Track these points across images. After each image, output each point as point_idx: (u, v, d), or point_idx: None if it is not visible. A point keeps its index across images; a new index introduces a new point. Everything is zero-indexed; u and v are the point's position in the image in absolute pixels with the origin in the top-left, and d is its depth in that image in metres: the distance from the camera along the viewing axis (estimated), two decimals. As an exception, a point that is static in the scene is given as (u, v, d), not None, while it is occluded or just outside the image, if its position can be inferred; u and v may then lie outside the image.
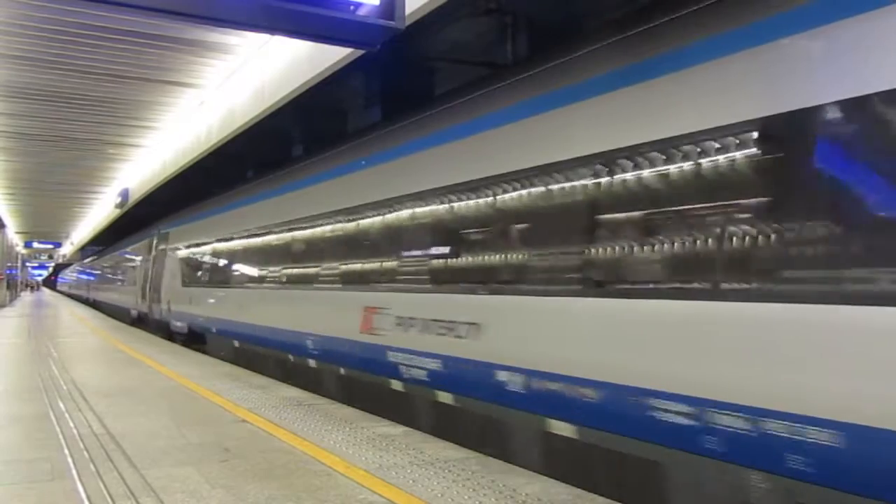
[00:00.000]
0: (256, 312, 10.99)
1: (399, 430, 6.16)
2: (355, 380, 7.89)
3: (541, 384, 5.04)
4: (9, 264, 40.91)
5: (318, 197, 9.29)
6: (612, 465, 4.65)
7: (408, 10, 4.88)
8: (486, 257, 5.97)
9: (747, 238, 3.79)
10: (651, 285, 4.41)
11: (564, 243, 5.08)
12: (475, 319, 5.73)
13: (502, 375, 5.39)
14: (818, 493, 3.41)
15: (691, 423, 3.96)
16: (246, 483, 4.53)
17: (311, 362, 8.94)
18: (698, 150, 4.09)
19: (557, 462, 5.07)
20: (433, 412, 6.52)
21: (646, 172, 4.44)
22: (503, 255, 5.78)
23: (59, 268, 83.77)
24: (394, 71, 9.30)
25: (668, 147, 4.28)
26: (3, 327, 20.32)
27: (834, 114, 3.46)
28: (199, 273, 14.98)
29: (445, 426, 6.26)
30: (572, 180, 5.00)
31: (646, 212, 4.53)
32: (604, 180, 4.75)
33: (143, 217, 23.43)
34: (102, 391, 8.19)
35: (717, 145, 4.00)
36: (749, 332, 3.71)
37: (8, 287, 39.08)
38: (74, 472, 4.80)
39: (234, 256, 12.75)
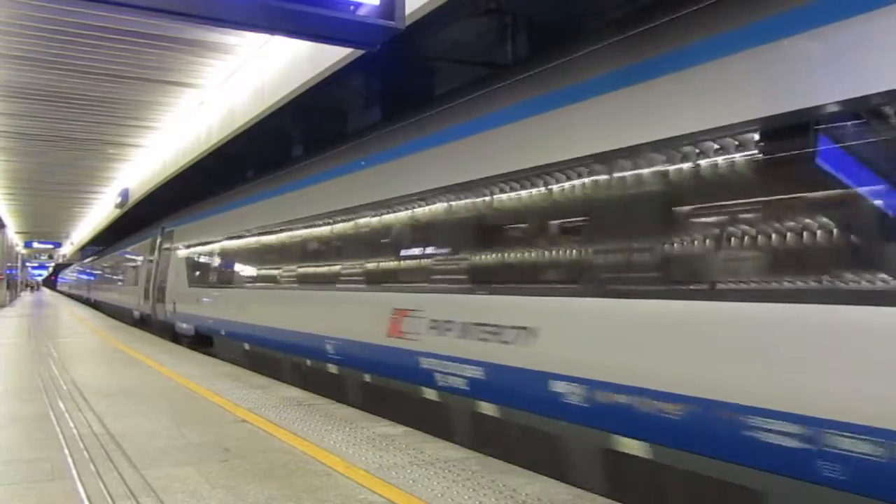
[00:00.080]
0: (270, 314, 10.42)
1: (399, 430, 6.16)
2: (383, 387, 7.35)
3: (608, 397, 4.50)
4: (9, 264, 40.91)
5: (342, 191, 8.63)
6: (694, 487, 4.13)
7: (408, 10, 4.88)
8: (543, 254, 5.39)
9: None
10: (771, 284, 3.71)
11: (644, 237, 4.43)
12: (527, 323, 5.18)
13: (559, 386, 4.88)
14: None
15: (801, 445, 3.43)
16: (246, 483, 4.53)
17: (332, 367, 8.42)
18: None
19: (624, 481, 4.60)
20: (471, 424, 6.03)
21: (739, 157, 3.96)
22: (564, 252, 5.21)
23: (59, 268, 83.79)
24: (394, 71, 9.30)
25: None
26: (3, 327, 20.32)
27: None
28: (208, 273, 14.31)
29: (486, 438, 5.79)
30: (660, 164, 4.37)
31: (755, 200, 3.97)
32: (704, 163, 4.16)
33: (143, 217, 23.42)
34: (102, 391, 8.20)
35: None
36: None
37: (8, 287, 39.08)
38: (74, 472, 4.80)
39: (246, 255, 12.09)
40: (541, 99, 5.48)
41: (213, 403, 7.47)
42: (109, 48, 9.98)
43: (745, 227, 3.88)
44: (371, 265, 7.79)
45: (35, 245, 48.44)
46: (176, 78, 11.43)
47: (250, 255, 11.84)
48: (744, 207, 3.99)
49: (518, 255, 5.67)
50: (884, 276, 3.24)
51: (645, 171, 4.44)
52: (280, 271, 10.30)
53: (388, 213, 7.50)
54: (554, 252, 5.32)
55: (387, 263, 7.61)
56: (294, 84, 8.81)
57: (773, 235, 3.73)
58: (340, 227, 8.58)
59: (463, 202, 6.24)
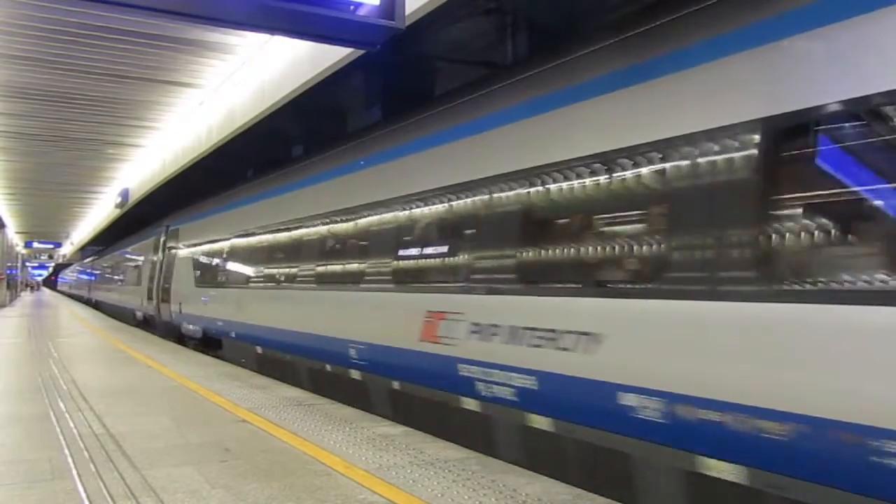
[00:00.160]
0: (286, 316, 9.77)
1: (399, 429, 6.16)
2: (413, 395, 6.83)
3: (693, 412, 3.95)
4: (9, 264, 40.91)
5: (368, 184, 8.00)
6: None
7: (408, 10, 4.88)
8: (610, 251, 4.78)
9: None
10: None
11: (744, 227, 3.80)
12: (591, 328, 4.62)
13: (629, 399, 4.33)
14: None
15: None
16: (246, 483, 4.53)
17: (355, 373, 7.84)
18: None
19: None
20: (518, 438, 5.52)
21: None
22: (636, 248, 4.58)
23: (59, 268, 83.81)
24: (394, 71, 9.31)
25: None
26: (4, 327, 20.32)
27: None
28: (217, 272, 13.53)
29: (537, 454, 5.33)
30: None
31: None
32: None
33: (143, 216, 23.42)
34: (103, 391, 8.19)
35: None
36: None
37: (8, 287, 39.09)
38: (74, 472, 4.79)
39: (259, 254, 11.33)
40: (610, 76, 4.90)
41: (213, 403, 7.48)
42: (110, 48, 9.99)
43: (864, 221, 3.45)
44: (401, 264, 7.17)
45: (35, 245, 48.45)
46: (176, 78, 11.43)
47: (264, 254, 11.12)
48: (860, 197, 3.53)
49: (579, 252, 5.02)
50: None
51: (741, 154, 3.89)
52: (297, 270, 9.68)
53: (421, 206, 6.89)
54: (623, 249, 4.67)
55: (420, 262, 6.98)
56: (294, 84, 8.81)
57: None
58: (366, 222, 7.90)
59: (512, 193, 5.60)
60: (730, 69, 3.99)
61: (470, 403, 5.92)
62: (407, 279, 7.02)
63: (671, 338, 4.13)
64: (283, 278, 10.19)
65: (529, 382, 5.15)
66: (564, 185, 5.11)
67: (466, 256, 6.15)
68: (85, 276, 48.48)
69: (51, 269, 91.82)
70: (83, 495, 4.29)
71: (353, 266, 8.15)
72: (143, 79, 11.45)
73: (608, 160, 4.71)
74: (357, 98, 11.09)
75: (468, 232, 6.25)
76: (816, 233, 3.54)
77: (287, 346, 9.70)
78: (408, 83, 9.92)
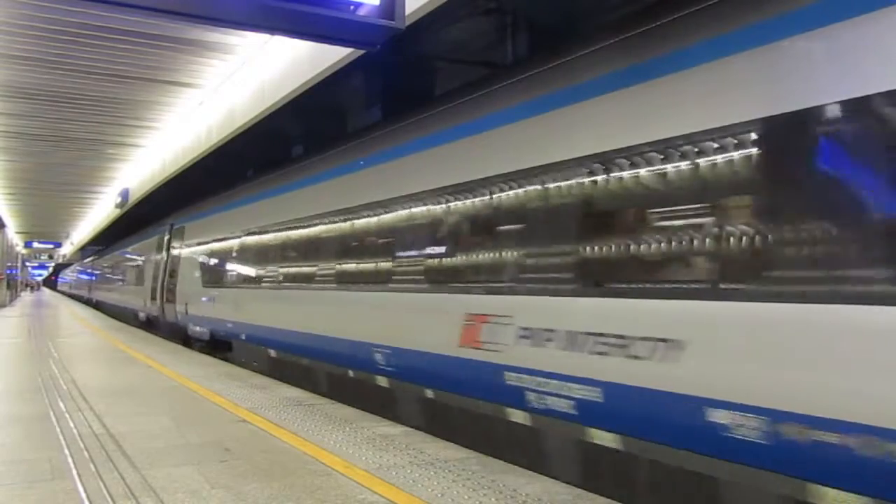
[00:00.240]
0: (304, 318, 9.21)
1: (399, 429, 6.16)
2: (450, 406, 6.32)
3: (805, 434, 3.45)
4: (9, 264, 40.92)
5: (398, 176, 7.36)
6: None
7: (408, 10, 4.88)
8: (705, 244, 4.09)
9: None
10: None
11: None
12: (672, 335, 4.08)
13: (720, 416, 3.81)
14: None
15: None
16: (246, 483, 4.53)
17: (381, 380, 7.33)
18: None
19: None
20: (577, 455, 5.05)
21: None
22: (740, 241, 3.90)
23: (59, 268, 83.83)
24: (394, 71, 9.31)
25: None
26: (4, 327, 20.32)
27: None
28: (227, 271, 12.86)
29: (599, 473, 4.89)
30: None
31: None
32: None
33: (143, 216, 23.42)
34: (103, 391, 8.19)
35: None
36: None
37: (8, 287, 39.09)
38: (74, 472, 4.79)
39: (273, 252, 10.69)
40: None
41: (213, 403, 7.47)
42: (110, 48, 9.99)
43: None
44: (436, 262, 6.58)
45: (35, 245, 48.44)
46: (176, 78, 11.43)
47: (280, 252, 10.48)
48: None
49: (659, 248, 4.38)
50: None
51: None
52: (316, 269, 9.07)
53: (460, 199, 6.29)
54: (718, 243, 4.01)
55: (459, 260, 6.34)
56: (294, 84, 8.81)
57: None
58: (394, 217, 7.32)
59: (569, 182, 5.02)
60: None
61: (517, 415, 5.39)
62: (444, 279, 6.41)
63: (780, 347, 3.59)
64: (300, 278, 9.61)
65: (592, 394, 4.62)
66: (642, 171, 4.47)
67: (515, 253, 5.53)
68: (85, 276, 48.29)
69: (51, 269, 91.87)
70: (83, 495, 4.29)
71: (381, 265, 7.54)
72: (143, 79, 11.45)
73: (703, 140, 4.10)
74: (357, 98, 11.08)
75: (517, 227, 5.60)
76: None
77: (304, 350, 9.22)
78: (408, 83, 9.92)
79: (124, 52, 10.11)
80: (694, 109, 4.17)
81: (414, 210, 6.96)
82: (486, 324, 5.59)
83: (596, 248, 4.82)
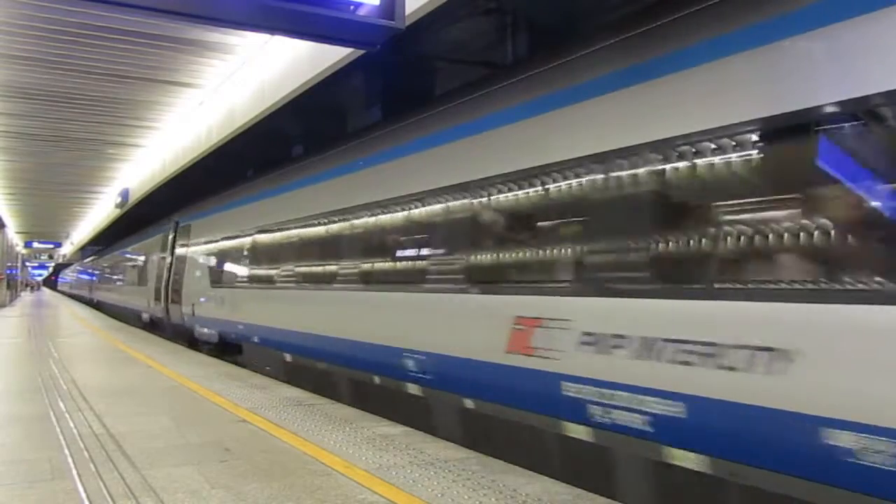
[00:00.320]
0: (324, 320, 8.61)
1: (399, 429, 6.16)
2: (495, 418, 5.72)
3: None
4: (9, 264, 40.93)
5: (437, 166, 6.69)
6: None
7: (408, 10, 4.88)
8: (828, 240, 3.53)
9: None
10: None
11: None
12: (776, 342, 3.56)
13: (844, 439, 3.30)
14: None
15: None
16: (246, 483, 4.53)
17: (412, 388, 6.75)
18: None
19: None
20: (653, 477, 4.52)
21: None
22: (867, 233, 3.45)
23: (59, 268, 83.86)
24: (394, 71, 9.31)
25: None
26: (4, 327, 20.33)
27: None
28: (238, 271, 12.20)
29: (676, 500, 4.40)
30: None
31: None
32: None
33: (144, 216, 23.41)
34: (103, 391, 8.19)
35: None
36: None
37: (8, 287, 39.10)
38: (74, 472, 4.79)
39: (290, 250, 10.07)
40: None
41: (213, 403, 7.47)
42: (110, 48, 9.99)
43: None
44: (479, 260, 6.03)
45: (35, 245, 48.47)
46: (176, 78, 11.44)
47: (298, 250, 9.84)
48: None
49: (761, 242, 3.78)
50: None
51: None
52: (338, 269, 8.41)
53: (506, 192, 5.71)
54: (843, 239, 3.50)
55: (506, 257, 5.82)
56: (294, 84, 8.81)
57: None
58: (431, 211, 6.67)
59: (643, 171, 4.45)
60: None
61: (576, 430, 4.86)
62: (488, 278, 5.87)
63: None
64: (322, 278, 8.95)
65: (673, 409, 4.09)
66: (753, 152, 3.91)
67: (575, 250, 5.00)
68: (86, 276, 48.05)
69: (51, 269, 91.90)
70: (83, 495, 4.29)
71: (415, 263, 7.00)
72: (143, 79, 11.45)
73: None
74: (357, 98, 11.09)
75: (578, 219, 5.01)
76: None
77: (324, 354, 8.61)
78: (408, 83, 9.92)
79: (124, 52, 10.11)
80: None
81: (453, 203, 6.34)
82: (540, 328, 5.03)
83: (683, 242, 4.21)
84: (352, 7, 4.34)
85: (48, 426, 6.27)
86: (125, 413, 6.87)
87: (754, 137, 3.87)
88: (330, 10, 4.31)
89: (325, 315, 8.65)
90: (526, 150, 5.49)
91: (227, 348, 12.28)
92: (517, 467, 4.93)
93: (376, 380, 7.40)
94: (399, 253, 7.48)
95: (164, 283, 17.12)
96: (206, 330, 13.53)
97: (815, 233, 3.56)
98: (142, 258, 21.96)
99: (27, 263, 65.61)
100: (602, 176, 4.74)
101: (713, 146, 4.07)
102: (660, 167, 4.36)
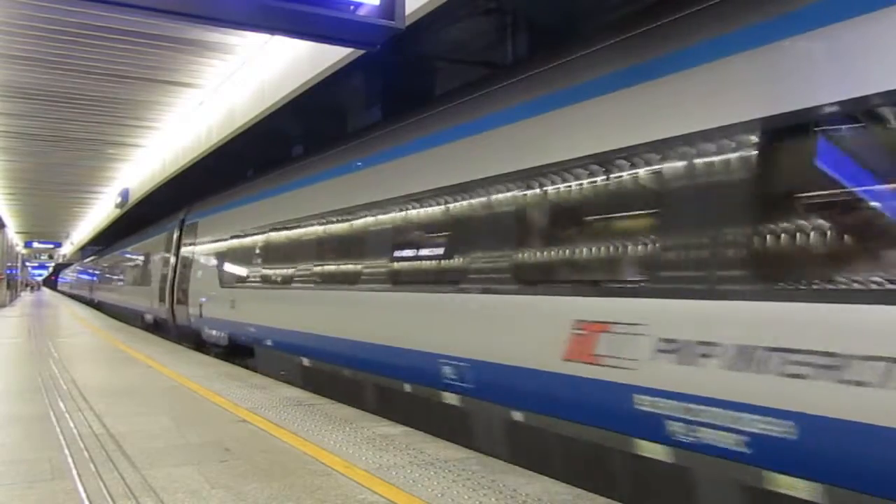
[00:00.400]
0: (349, 323, 8.02)
1: (399, 429, 6.16)
2: (549, 432, 5.17)
3: None
4: (9, 264, 40.93)
5: (483, 154, 6.07)
6: None
7: (408, 10, 4.89)
8: None
9: None
10: None
11: None
12: None
13: None
14: None
15: None
16: (246, 483, 4.53)
17: (450, 397, 6.21)
18: None
19: None
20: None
21: None
22: None
23: (59, 268, 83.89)
24: (394, 71, 9.31)
25: None
26: (4, 327, 20.32)
27: None
28: (250, 270, 11.54)
29: None
30: None
31: None
32: None
33: (144, 216, 23.42)
34: (103, 391, 8.19)
35: None
36: None
37: (8, 287, 39.10)
38: (74, 472, 4.80)
39: (309, 248, 9.42)
40: None
41: (213, 403, 7.47)
42: (110, 48, 9.99)
43: None
44: (528, 257, 5.44)
45: (35, 245, 48.48)
46: (176, 78, 11.44)
47: (318, 248, 9.20)
48: None
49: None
50: None
51: None
52: (363, 268, 7.83)
53: (561, 180, 5.13)
54: None
55: (561, 253, 5.22)
56: (294, 84, 8.82)
57: None
58: (471, 205, 6.11)
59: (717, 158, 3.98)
60: None
61: (652, 449, 4.31)
62: (539, 278, 5.33)
63: None
64: (344, 278, 8.32)
65: (780, 429, 3.57)
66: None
67: (650, 244, 4.39)
68: (87, 276, 47.85)
69: (51, 269, 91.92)
70: (83, 495, 4.29)
71: (451, 262, 6.38)
72: (143, 79, 11.45)
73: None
74: (357, 98, 11.09)
75: (652, 210, 4.43)
76: None
77: (346, 359, 8.09)
78: (408, 83, 9.92)
79: (124, 52, 10.11)
80: None
81: (495, 197, 5.77)
82: (606, 333, 4.50)
83: (800, 232, 3.61)
84: (352, 7, 4.34)
85: (48, 426, 6.27)
86: (125, 413, 6.87)
87: None
88: (330, 10, 4.31)
89: (349, 317, 8.05)
90: (620, 127, 4.72)
91: (238, 351, 11.78)
92: (517, 467, 4.93)
93: (406, 388, 6.88)
94: (436, 251, 6.84)
95: (169, 283, 16.68)
96: (214, 332, 13.06)
97: None
98: (145, 257, 21.36)
99: (27, 263, 65.62)
100: (676, 164, 4.23)
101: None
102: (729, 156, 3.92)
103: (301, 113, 10.47)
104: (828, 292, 3.41)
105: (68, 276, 72.77)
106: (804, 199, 3.72)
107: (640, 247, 4.51)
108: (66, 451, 5.34)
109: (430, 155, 6.92)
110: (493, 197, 5.80)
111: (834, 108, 3.45)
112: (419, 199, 6.89)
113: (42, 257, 60.52)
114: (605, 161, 4.75)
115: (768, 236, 3.72)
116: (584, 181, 4.94)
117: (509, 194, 5.62)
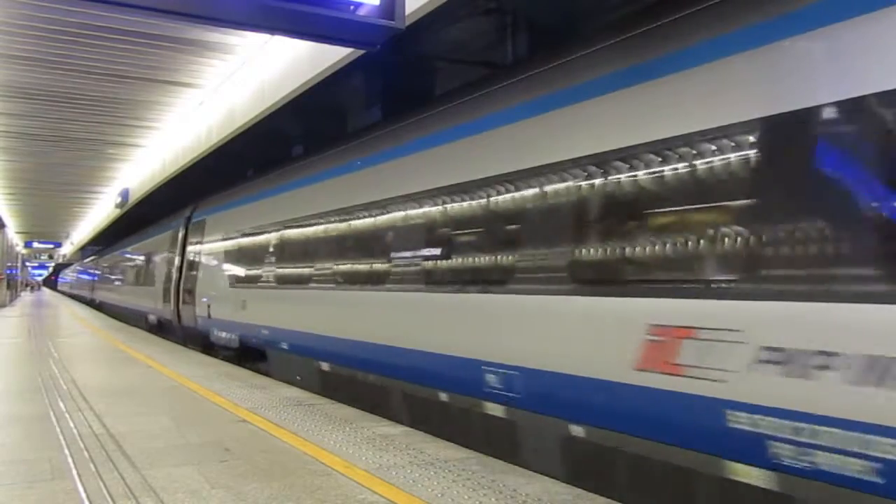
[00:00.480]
0: (377, 326, 7.43)
1: (399, 429, 6.16)
2: (616, 450, 4.60)
3: None
4: (9, 264, 40.94)
5: (547, 138, 5.37)
6: None
7: (408, 10, 4.89)
8: None
9: None
10: None
11: None
12: None
13: None
14: None
15: None
16: (246, 483, 4.53)
17: (494, 408, 5.68)
18: None
19: None
20: None
21: None
22: None
23: (59, 268, 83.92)
24: (394, 71, 9.31)
25: None
26: (4, 327, 20.32)
27: None
28: (263, 269, 10.90)
29: None
30: None
31: None
32: None
33: (144, 216, 23.42)
34: (103, 391, 8.19)
35: None
36: None
37: (8, 287, 39.11)
38: (74, 472, 4.79)
39: (330, 246, 8.78)
40: None
41: (213, 403, 7.48)
42: (110, 48, 10.00)
43: None
44: (590, 253, 4.85)
45: (35, 245, 48.49)
46: (176, 78, 11.44)
47: (341, 246, 8.56)
48: None
49: None
50: None
51: None
52: (394, 266, 7.27)
53: (664, 159, 4.40)
54: None
55: (632, 248, 4.52)
56: (294, 84, 8.82)
57: None
58: (524, 196, 5.51)
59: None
60: None
61: (748, 474, 3.78)
62: (604, 277, 4.77)
63: None
64: (371, 278, 7.75)
65: None
66: None
67: (752, 236, 3.77)
68: (87, 276, 47.57)
69: (51, 269, 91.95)
70: (83, 495, 4.29)
71: (498, 260, 5.77)
72: (143, 79, 11.46)
73: None
74: (357, 98, 11.10)
75: (744, 202, 3.90)
76: None
77: (373, 365, 7.53)
78: (408, 83, 9.93)
79: (124, 52, 10.12)
80: None
81: (554, 187, 5.17)
82: (691, 340, 3.98)
83: None
84: (352, 7, 4.34)
85: (48, 426, 6.27)
86: (125, 413, 6.87)
87: None
88: (330, 10, 4.32)
89: (376, 320, 7.50)
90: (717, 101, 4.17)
91: (249, 354, 11.25)
92: (517, 467, 4.93)
93: (442, 396, 6.34)
94: (480, 248, 6.14)
95: (174, 283, 16.11)
96: (223, 334, 12.44)
97: None
98: (149, 256, 20.69)
99: (27, 263, 65.64)
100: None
101: None
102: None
103: (301, 113, 10.48)
104: None
105: (68, 276, 72.73)
106: None
107: (737, 240, 3.86)
108: (66, 451, 5.34)
109: (485, 138, 6.10)
110: (550, 187, 5.19)
111: None
112: (463, 189, 6.22)
113: (42, 257, 60.53)
114: (697, 141, 4.17)
115: None
116: (669, 166, 4.33)
117: (570, 184, 5.02)
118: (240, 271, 12.03)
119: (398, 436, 5.90)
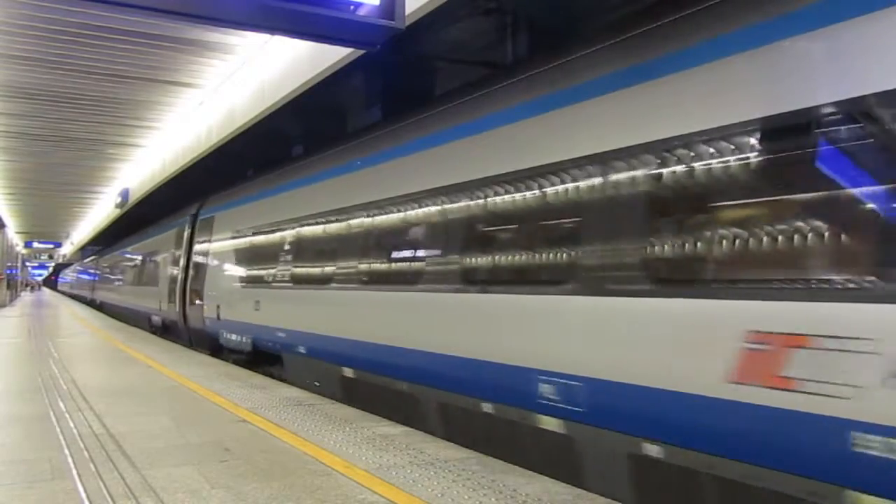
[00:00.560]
0: (406, 330, 6.88)
1: (399, 429, 6.16)
2: (701, 473, 4.04)
3: None
4: (9, 264, 40.94)
5: (602, 122, 4.89)
6: None
7: (408, 10, 4.89)
8: None
9: None
10: None
11: None
12: None
13: None
14: None
15: None
16: (246, 483, 4.53)
17: (549, 422, 5.10)
18: None
19: None
20: None
21: None
22: None
23: (59, 267, 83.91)
24: (394, 71, 9.31)
25: None
26: (4, 327, 20.32)
27: None
28: (279, 268, 10.23)
29: None
30: None
31: None
32: None
33: (144, 216, 23.42)
34: (103, 391, 8.19)
35: None
36: None
37: (8, 287, 39.11)
38: (74, 472, 4.79)
39: (354, 242, 8.15)
40: None
41: (213, 403, 7.48)
42: (110, 48, 10.00)
43: None
44: (667, 248, 4.31)
45: (35, 245, 48.50)
46: (176, 78, 11.44)
47: (366, 243, 7.96)
48: None
49: None
50: None
51: None
52: (427, 265, 6.74)
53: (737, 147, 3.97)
54: None
55: (721, 244, 3.98)
56: (294, 84, 8.82)
57: None
58: (578, 188, 5.00)
59: None
60: None
61: None
62: (685, 276, 4.21)
63: None
64: (402, 277, 7.26)
65: None
66: None
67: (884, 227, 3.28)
68: (87, 276, 47.31)
69: (51, 269, 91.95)
70: (83, 495, 4.29)
71: (553, 258, 5.27)
72: (143, 79, 11.46)
73: None
74: (357, 98, 11.10)
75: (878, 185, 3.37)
76: None
77: (404, 371, 6.92)
78: (408, 83, 9.93)
79: (124, 52, 10.12)
80: None
81: (616, 177, 4.66)
82: (806, 349, 3.44)
83: None
84: (352, 7, 4.34)
85: (48, 426, 6.27)
86: (125, 413, 6.87)
87: None
88: (330, 10, 4.32)
89: (407, 324, 6.91)
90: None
91: (262, 358, 10.69)
92: (517, 467, 4.93)
93: (485, 407, 5.77)
94: (532, 244, 5.59)
95: (179, 283, 15.51)
96: (234, 336, 11.74)
97: None
98: (152, 255, 20.01)
99: (27, 263, 65.65)
100: None
101: None
102: None
103: (301, 113, 10.47)
104: None
105: (69, 276, 72.68)
106: None
107: (862, 231, 3.40)
108: (66, 451, 5.34)
109: (537, 122, 5.57)
110: (616, 176, 4.66)
111: None
112: (512, 179, 5.61)
113: (42, 257, 60.54)
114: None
115: None
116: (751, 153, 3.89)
117: (639, 172, 4.50)
118: (253, 270, 11.34)
119: (398, 436, 5.90)
